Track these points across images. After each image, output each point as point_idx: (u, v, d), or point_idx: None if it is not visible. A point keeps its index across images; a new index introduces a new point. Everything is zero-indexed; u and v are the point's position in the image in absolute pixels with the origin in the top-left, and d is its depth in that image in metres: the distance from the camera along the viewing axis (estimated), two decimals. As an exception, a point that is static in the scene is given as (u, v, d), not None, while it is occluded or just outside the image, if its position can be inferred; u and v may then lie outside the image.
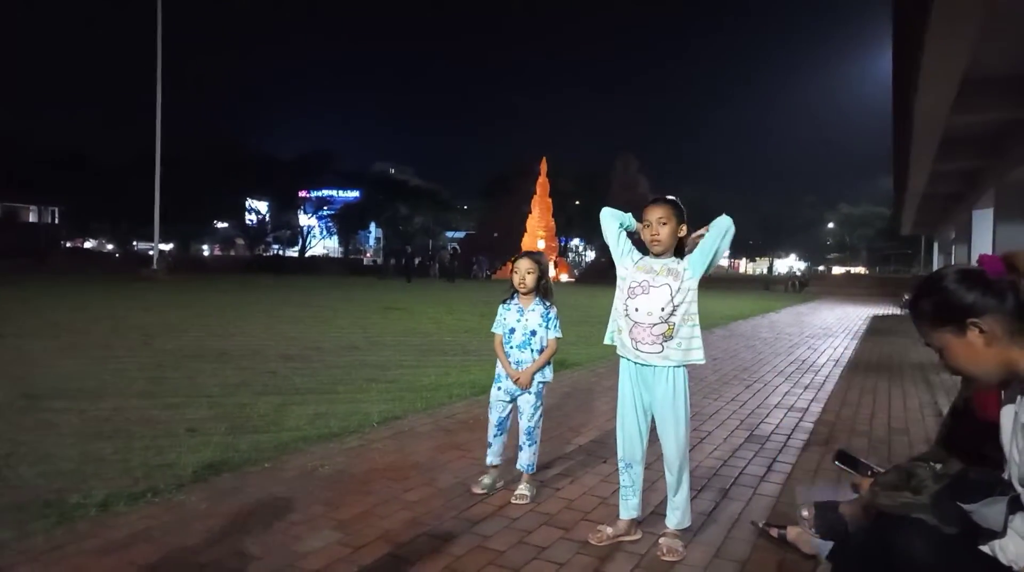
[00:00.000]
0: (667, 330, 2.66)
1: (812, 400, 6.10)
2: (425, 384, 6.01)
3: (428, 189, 56.33)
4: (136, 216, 39.44)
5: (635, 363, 2.75)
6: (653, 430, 2.80)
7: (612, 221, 2.86)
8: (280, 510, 3.00)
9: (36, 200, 44.73)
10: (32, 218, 46.63)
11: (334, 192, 57.49)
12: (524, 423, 3.34)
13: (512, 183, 49.62)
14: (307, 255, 53.15)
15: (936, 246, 34.70)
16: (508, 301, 3.41)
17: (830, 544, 2.00)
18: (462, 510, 3.10)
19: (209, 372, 6.28)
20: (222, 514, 2.94)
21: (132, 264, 33.65)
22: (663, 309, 2.66)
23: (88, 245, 57.45)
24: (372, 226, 62.71)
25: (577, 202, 51.68)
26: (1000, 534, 1.48)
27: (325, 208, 53.94)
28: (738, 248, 74.99)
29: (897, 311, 20.16)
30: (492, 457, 3.38)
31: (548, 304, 3.37)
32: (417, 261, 40.16)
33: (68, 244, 50.98)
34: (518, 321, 3.34)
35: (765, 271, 68.71)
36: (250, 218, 52.96)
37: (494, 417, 3.39)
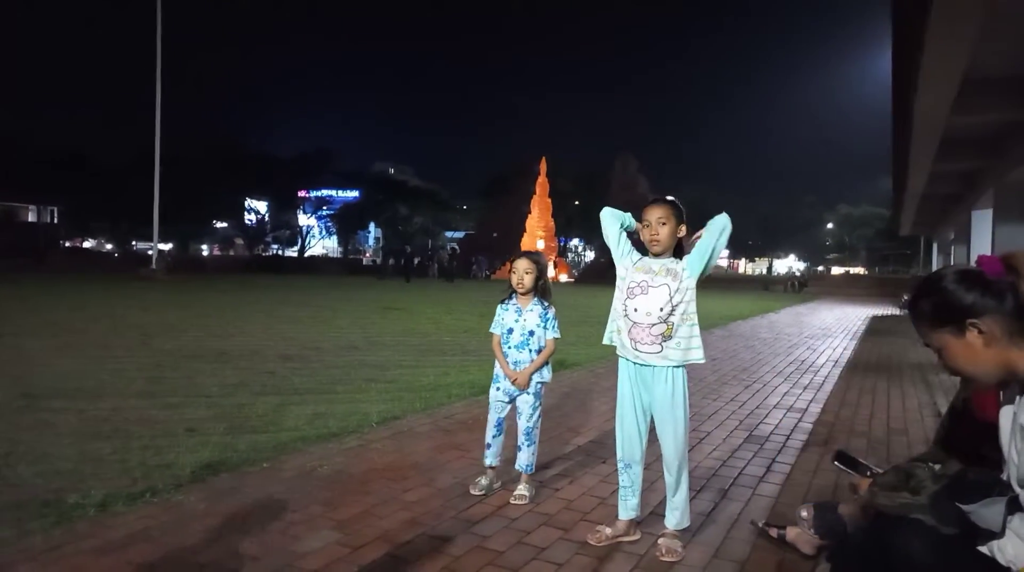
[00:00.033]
0: (666, 330, 2.67)
1: (811, 400, 6.10)
2: (424, 384, 6.01)
3: (427, 189, 56.30)
4: (135, 216, 39.44)
5: (634, 363, 2.75)
6: (652, 430, 2.80)
7: (613, 222, 2.86)
8: (279, 510, 3.00)
9: (35, 199, 44.73)
10: (31, 218, 46.63)
11: (333, 192, 57.47)
12: (523, 424, 3.34)
13: (511, 183, 49.61)
14: (306, 255, 53.14)
15: (935, 247, 34.71)
16: (506, 301, 3.41)
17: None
18: (461, 510, 3.10)
19: (208, 372, 6.28)
20: (220, 514, 2.93)
21: (131, 264, 33.60)
22: (662, 309, 2.66)
23: (87, 245, 57.42)
24: (371, 226, 62.69)
25: (576, 202, 51.67)
26: (999, 535, 1.48)
27: (324, 208, 53.92)
28: (737, 248, 74.99)
29: (896, 311, 20.15)
30: (490, 458, 3.37)
31: (546, 304, 3.37)
32: (416, 261, 40.17)
33: (67, 244, 50.96)
34: (516, 321, 3.34)
35: (764, 271, 68.80)
36: (249, 218, 52.91)
37: (492, 418, 3.38)
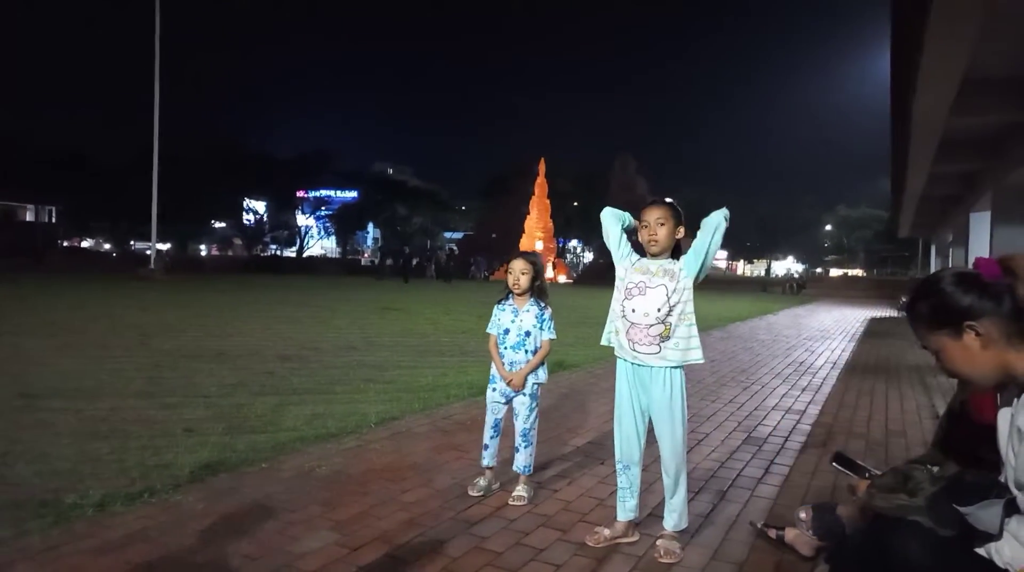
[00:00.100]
0: (664, 330, 2.67)
1: (809, 402, 6.10)
2: (422, 385, 6.01)
3: (427, 189, 56.26)
4: (134, 216, 39.47)
5: (632, 364, 2.75)
6: (651, 432, 2.80)
7: (614, 223, 2.87)
8: (277, 511, 3.00)
9: (34, 199, 44.72)
10: (29, 217, 46.60)
11: (332, 192, 57.42)
12: (520, 425, 3.33)
13: (511, 184, 49.63)
14: (305, 255, 53.12)
15: (933, 249, 34.74)
16: (503, 301, 3.41)
17: None
18: (459, 511, 3.10)
19: (206, 372, 6.27)
20: (219, 514, 2.93)
21: (130, 264, 33.61)
22: (659, 310, 2.67)
23: (86, 244, 57.40)
24: (370, 226, 62.67)
25: (575, 203, 51.64)
26: (996, 536, 1.49)
27: (323, 208, 53.91)
28: (736, 249, 74.99)
29: (894, 313, 20.17)
30: (488, 459, 3.37)
31: (543, 305, 3.36)
32: (415, 262, 40.17)
33: (65, 243, 50.94)
34: (512, 322, 3.34)
35: (763, 273, 68.84)
36: (248, 218, 52.90)
37: (490, 419, 3.38)
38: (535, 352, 3.31)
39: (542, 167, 46.82)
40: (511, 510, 3.14)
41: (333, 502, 3.14)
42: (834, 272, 67.52)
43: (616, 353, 2.83)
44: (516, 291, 3.34)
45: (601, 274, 34.08)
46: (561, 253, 54.54)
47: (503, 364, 3.32)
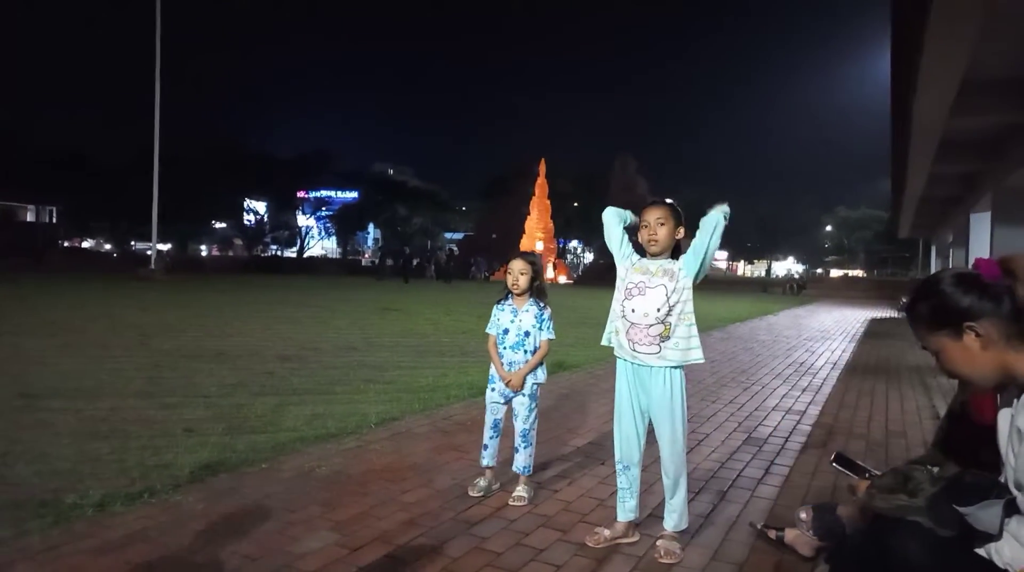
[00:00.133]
0: (663, 330, 2.67)
1: (810, 403, 6.10)
2: (422, 385, 6.01)
3: (427, 190, 56.27)
4: (134, 216, 39.43)
5: (632, 364, 2.75)
6: (651, 432, 2.80)
7: (616, 223, 2.88)
8: (277, 511, 3.00)
9: (34, 199, 44.70)
10: (30, 217, 46.59)
11: (332, 192, 57.40)
12: (519, 425, 3.33)
13: (511, 184, 49.63)
14: (305, 256, 53.11)
15: (934, 249, 34.73)
16: (502, 302, 3.41)
17: None
18: (459, 512, 3.10)
19: (206, 372, 6.27)
20: (219, 515, 2.93)
21: (130, 264, 33.61)
22: (659, 309, 2.67)
23: (86, 245, 57.38)
24: (370, 227, 62.66)
25: (576, 203, 51.65)
26: (996, 537, 1.49)
27: (323, 208, 53.88)
28: (736, 250, 75.00)
29: (894, 314, 20.17)
30: (488, 460, 3.37)
31: (542, 305, 3.37)
32: (415, 262, 40.17)
33: (66, 243, 50.91)
34: (512, 322, 3.34)
35: (763, 273, 68.83)
36: (248, 218, 52.90)
37: (489, 419, 3.38)
38: (534, 352, 3.31)
39: (542, 167, 46.83)
40: (511, 510, 3.14)
41: (333, 502, 3.14)
42: (834, 273, 67.54)
43: (616, 353, 2.83)
44: (515, 291, 3.34)
45: (601, 275, 34.11)
46: (561, 254, 54.56)
47: (502, 364, 3.33)
